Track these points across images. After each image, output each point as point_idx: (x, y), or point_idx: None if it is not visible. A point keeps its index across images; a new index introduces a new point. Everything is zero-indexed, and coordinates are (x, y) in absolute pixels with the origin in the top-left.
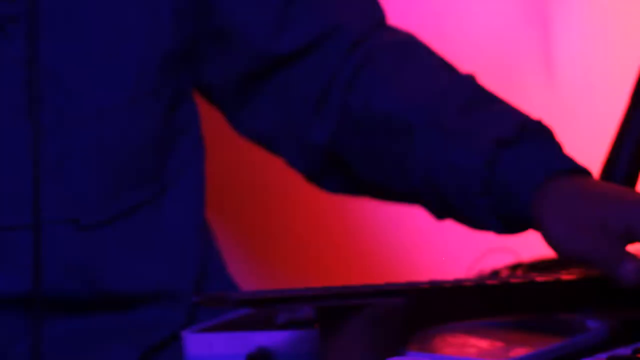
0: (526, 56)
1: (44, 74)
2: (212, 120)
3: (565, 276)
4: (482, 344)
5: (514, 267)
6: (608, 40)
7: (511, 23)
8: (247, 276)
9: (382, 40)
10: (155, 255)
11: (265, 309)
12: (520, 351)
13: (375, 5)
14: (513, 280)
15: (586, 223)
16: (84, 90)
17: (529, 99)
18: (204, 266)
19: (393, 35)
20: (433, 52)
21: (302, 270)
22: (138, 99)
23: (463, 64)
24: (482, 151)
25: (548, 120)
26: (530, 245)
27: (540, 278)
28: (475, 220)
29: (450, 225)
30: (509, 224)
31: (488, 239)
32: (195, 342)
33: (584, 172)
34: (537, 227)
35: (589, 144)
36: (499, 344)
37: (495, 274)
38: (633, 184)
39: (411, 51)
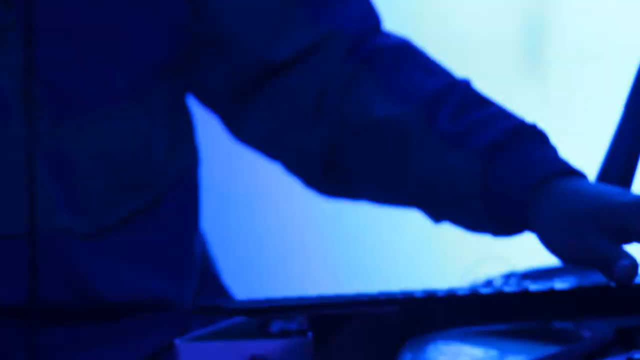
0: (518, 58)
1: (40, 82)
2: (206, 128)
3: (559, 285)
4: (476, 352)
5: (508, 276)
6: (603, 42)
7: (502, 24)
8: (242, 284)
9: (377, 45)
10: (150, 264)
11: (259, 318)
12: None
13: (370, 11)
14: (507, 289)
15: (581, 223)
16: (80, 98)
17: (521, 102)
18: (199, 275)
19: (388, 40)
20: (428, 57)
21: (297, 278)
22: (134, 106)
23: (455, 68)
24: (476, 154)
25: (541, 124)
26: (524, 254)
27: (534, 287)
28: (472, 223)
29: (443, 234)
30: (505, 227)
31: (481, 247)
32: (188, 351)
33: (578, 174)
34: (532, 229)
35: (583, 147)
36: (492, 353)
37: (488, 282)
38: (628, 185)
39: (406, 56)
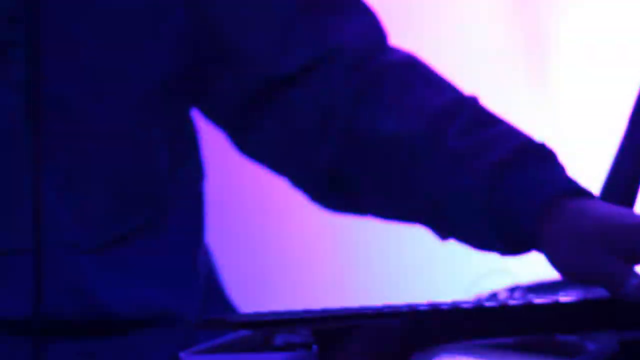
0: (524, 74)
1: (46, 98)
2: (211, 143)
3: (564, 298)
4: None
5: (512, 289)
6: (607, 59)
7: (508, 39)
8: (247, 298)
9: (384, 61)
10: (155, 279)
11: (263, 331)
12: None
13: (376, 26)
14: (511, 303)
15: (590, 243)
16: (86, 114)
17: (528, 120)
18: (203, 289)
19: (395, 56)
20: (435, 72)
21: (301, 291)
22: (141, 121)
23: (461, 77)
24: (484, 173)
25: (546, 132)
26: (529, 267)
27: (538, 300)
28: (479, 241)
29: (448, 247)
30: (513, 245)
31: (486, 260)
32: None
33: (587, 194)
34: (540, 248)
35: (588, 156)
36: None
37: (493, 295)
38: (631, 203)
39: (413, 72)
